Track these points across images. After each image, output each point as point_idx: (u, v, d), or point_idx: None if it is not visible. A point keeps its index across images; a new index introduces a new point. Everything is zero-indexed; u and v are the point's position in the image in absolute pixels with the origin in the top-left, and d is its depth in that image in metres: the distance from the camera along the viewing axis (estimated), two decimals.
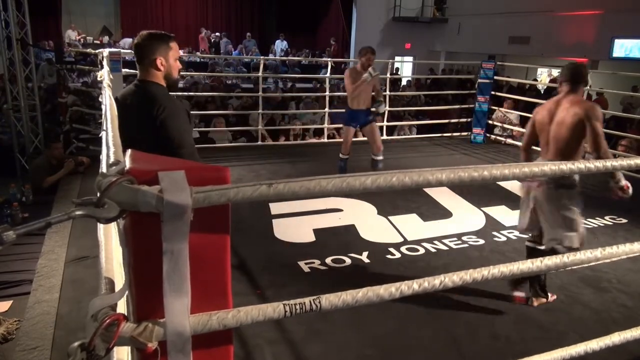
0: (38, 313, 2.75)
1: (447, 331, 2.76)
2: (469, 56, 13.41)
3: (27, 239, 3.56)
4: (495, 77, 7.72)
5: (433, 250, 3.81)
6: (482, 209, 4.70)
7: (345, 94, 9.67)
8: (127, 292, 0.95)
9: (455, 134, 8.20)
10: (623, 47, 11.31)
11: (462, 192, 5.06)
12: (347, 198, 4.69)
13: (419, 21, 16.85)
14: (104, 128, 1.90)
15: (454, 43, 16.16)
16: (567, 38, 12.40)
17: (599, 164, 1.35)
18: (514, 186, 5.30)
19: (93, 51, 6.75)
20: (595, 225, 4.39)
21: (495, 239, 4.06)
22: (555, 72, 15.15)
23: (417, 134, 8.49)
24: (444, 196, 4.95)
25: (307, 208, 4.48)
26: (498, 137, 7.84)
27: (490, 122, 7.78)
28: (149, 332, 0.88)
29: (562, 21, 12.48)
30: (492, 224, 4.36)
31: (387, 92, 7.54)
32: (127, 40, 15.15)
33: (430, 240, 3.96)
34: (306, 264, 3.48)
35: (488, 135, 7.83)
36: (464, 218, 4.49)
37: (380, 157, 5.10)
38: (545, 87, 12.64)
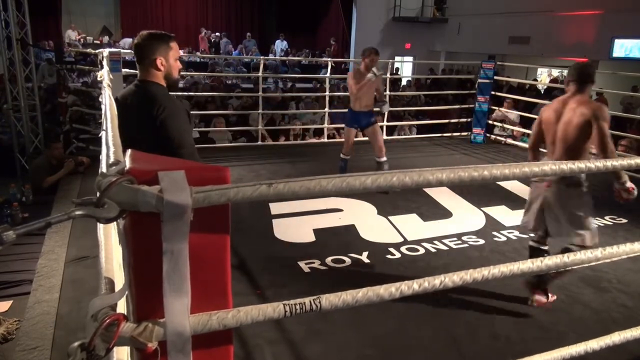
0: (38, 313, 2.75)
1: (447, 331, 2.76)
2: (469, 56, 13.41)
3: (27, 239, 3.56)
4: (495, 77, 7.72)
5: (433, 250, 3.81)
6: (482, 209, 4.70)
7: (345, 94, 9.69)
8: (127, 292, 0.95)
9: (455, 134, 8.20)
10: (623, 47, 11.31)
11: (462, 192, 5.06)
12: (347, 198, 4.69)
13: (419, 21, 16.84)
14: (104, 128, 1.90)
15: (454, 43, 16.16)
16: (567, 38, 12.40)
17: (598, 164, 1.35)
18: (514, 186, 5.30)
19: (93, 51, 6.75)
20: (596, 225, 4.38)
21: (495, 239, 4.06)
22: (555, 72, 15.17)
23: (417, 134, 8.50)
24: (444, 196, 4.95)
25: (307, 208, 4.48)
26: (498, 137, 7.84)
27: (490, 122, 7.78)
28: (149, 332, 0.88)
29: (562, 21, 12.48)
30: (492, 224, 4.36)
31: (387, 92, 7.54)
32: (127, 40, 15.16)
33: (430, 240, 3.96)
34: (306, 264, 3.48)
35: (488, 135, 7.83)
36: (464, 218, 4.49)
37: (384, 159, 5.09)
38: (545, 87, 12.65)
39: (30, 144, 7.06)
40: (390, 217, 4.40)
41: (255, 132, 7.30)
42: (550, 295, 3.04)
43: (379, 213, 4.51)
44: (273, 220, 4.24)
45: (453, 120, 8.26)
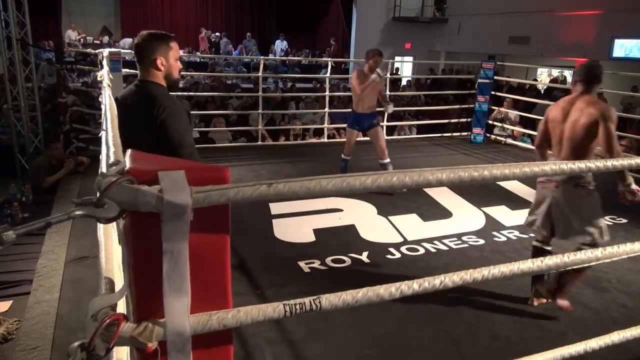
0: (38, 313, 2.75)
1: (447, 331, 2.76)
2: (469, 56, 13.41)
3: (27, 239, 3.56)
4: (495, 77, 7.72)
5: (433, 250, 3.81)
6: (482, 209, 4.70)
7: (345, 94, 9.70)
8: (127, 292, 0.95)
9: (455, 134, 8.20)
10: (623, 47, 11.31)
11: (462, 192, 5.06)
12: (347, 198, 4.70)
13: (419, 21, 16.84)
14: (104, 128, 1.90)
15: (454, 43, 16.16)
16: (567, 38, 12.40)
17: (598, 163, 1.35)
18: (514, 186, 5.30)
19: (93, 51, 6.75)
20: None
21: (495, 239, 4.06)
22: (555, 72, 15.16)
23: (417, 134, 8.50)
24: (444, 196, 4.96)
25: (307, 208, 4.48)
26: (498, 137, 7.84)
27: (490, 122, 7.78)
28: (149, 332, 0.88)
29: (562, 21, 12.48)
30: (492, 224, 4.37)
31: (387, 92, 7.54)
32: (127, 40, 15.16)
33: (430, 240, 3.96)
34: (306, 264, 3.48)
35: (488, 135, 7.83)
36: (464, 218, 4.49)
37: (387, 161, 5.08)
38: (545, 87, 12.65)
39: (30, 144, 7.06)
40: (390, 217, 4.41)
41: (255, 132, 7.30)
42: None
43: (379, 213, 4.51)
44: (273, 220, 4.24)
45: (453, 120, 8.27)
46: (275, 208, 4.46)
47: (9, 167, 6.84)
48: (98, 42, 15.77)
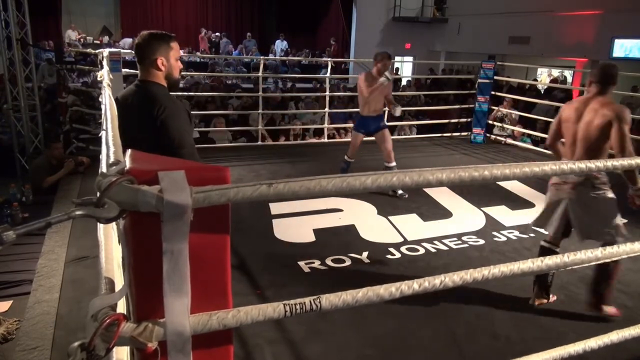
0: (38, 313, 2.75)
1: (447, 331, 2.76)
2: (469, 56, 13.41)
3: (27, 239, 3.56)
4: (495, 77, 7.72)
5: (433, 250, 3.81)
6: (482, 209, 4.70)
7: (345, 94, 9.70)
8: (127, 292, 0.95)
9: (455, 134, 8.20)
10: (623, 47, 11.31)
11: (462, 192, 5.06)
12: (347, 198, 4.69)
13: (419, 21, 16.85)
14: (104, 128, 1.90)
15: (454, 43, 16.16)
16: (567, 38, 12.41)
17: (599, 163, 1.35)
18: (514, 186, 5.30)
19: (93, 51, 6.76)
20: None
21: (495, 239, 4.06)
22: (556, 72, 15.16)
23: (417, 134, 8.50)
24: (444, 196, 4.95)
25: (307, 208, 4.48)
26: (498, 137, 7.84)
27: (490, 121, 7.78)
28: (149, 332, 0.89)
29: (562, 21, 12.48)
30: (492, 224, 4.36)
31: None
32: (127, 40, 15.16)
33: (430, 240, 3.96)
34: (306, 264, 3.48)
35: (488, 135, 7.83)
36: (464, 218, 4.49)
37: (393, 164, 5.06)
38: (545, 87, 12.65)
39: (30, 144, 7.06)
40: (390, 217, 4.40)
41: (255, 132, 7.30)
42: (551, 295, 3.04)
43: (379, 213, 4.51)
44: (273, 220, 4.24)
45: (453, 120, 8.26)
46: (275, 208, 4.46)
47: (9, 167, 6.84)
48: (98, 42, 15.77)
